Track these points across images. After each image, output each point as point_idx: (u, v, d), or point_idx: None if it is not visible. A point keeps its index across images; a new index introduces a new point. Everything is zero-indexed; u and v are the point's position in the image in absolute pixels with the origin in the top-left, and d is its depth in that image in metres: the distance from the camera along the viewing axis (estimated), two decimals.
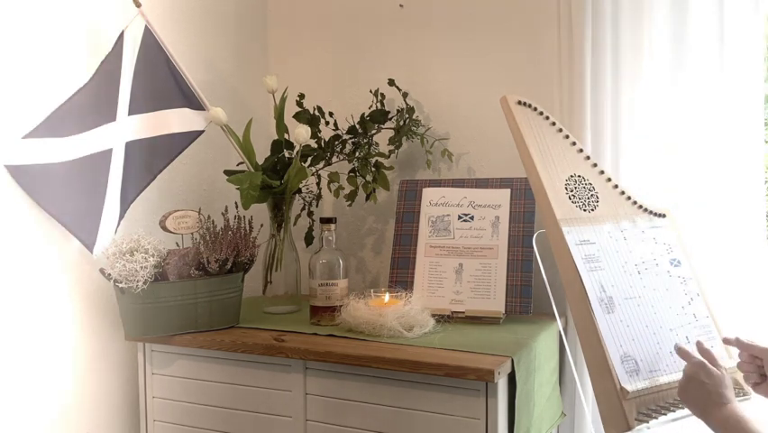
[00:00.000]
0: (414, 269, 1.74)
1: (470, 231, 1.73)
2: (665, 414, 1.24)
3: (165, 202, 1.81)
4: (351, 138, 1.90)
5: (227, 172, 1.80)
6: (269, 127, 2.07)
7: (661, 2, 1.63)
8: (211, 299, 1.58)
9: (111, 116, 1.60)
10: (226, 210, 1.68)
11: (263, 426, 1.54)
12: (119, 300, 1.56)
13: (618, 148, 1.69)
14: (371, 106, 1.93)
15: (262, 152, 1.85)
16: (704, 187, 1.61)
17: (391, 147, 1.91)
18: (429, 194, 1.80)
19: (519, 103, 1.50)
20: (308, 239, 1.95)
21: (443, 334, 1.52)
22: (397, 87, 1.92)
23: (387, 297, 1.60)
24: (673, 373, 1.28)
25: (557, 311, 1.50)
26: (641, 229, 1.46)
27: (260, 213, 1.80)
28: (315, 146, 1.90)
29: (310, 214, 1.95)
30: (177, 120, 1.70)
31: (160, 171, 1.68)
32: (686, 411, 1.21)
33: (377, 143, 1.91)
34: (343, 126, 1.91)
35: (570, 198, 1.43)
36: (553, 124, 1.51)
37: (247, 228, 1.64)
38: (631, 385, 1.23)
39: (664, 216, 1.51)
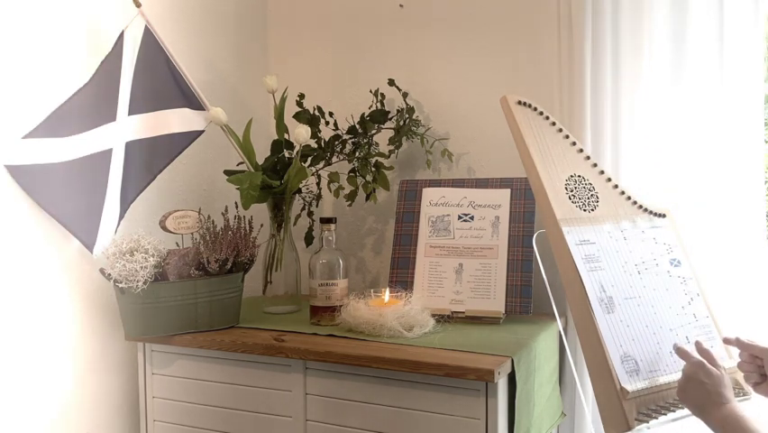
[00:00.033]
0: (414, 269, 1.74)
1: (470, 231, 1.73)
2: (665, 414, 1.24)
3: (165, 202, 1.81)
4: (351, 138, 1.90)
5: (227, 172, 1.80)
6: (269, 127, 2.07)
7: (661, 1, 1.63)
8: (211, 299, 1.58)
9: (111, 116, 1.60)
10: (226, 210, 1.68)
11: (263, 426, 1.54)
12: (119, 300, 1.56)
13: (618, 148, 1.69)
14: (371, 106, 1.93)
15: (262, 152, 1.85)
16: (704, 187, 1.61)
17: (391, 147, 1.91)
18: (429, 194, 1.80)
19: (519, 103, 1.50)
20: (308, 239, 1.95)
21: (443, 334, 1.52)
22: (397, 87, 1.92)
23: (387, 297, 1.60)
24: (673, 373, 1.28)
25: (557, 311, 1.50)
26: (641, 229, 1.46)
27: (260, 213, 1.80)
28: (315, 146, 1.90)
29: (310, 214, 1.95)
30: (177, 120, 1.70)
31: (160, 171, 1.68)
32: (686, 411, 1.21)
33: (377, 143, 1.91)
34: (343, 126, 1.91)
35: (570, 198, 1.43)
36: (553, 124, 1.51)
37: (247, 228, 1.64)
38: (631, 385, 1.23)
39: (664, 216, 1.51)
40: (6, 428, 1.46)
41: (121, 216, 1.62)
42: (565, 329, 1.68)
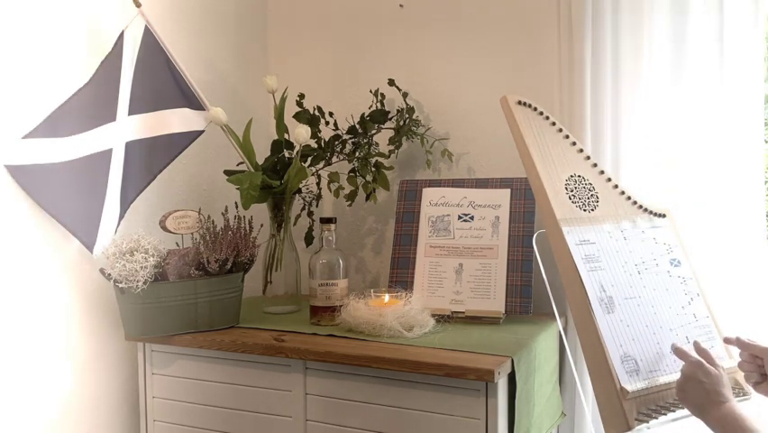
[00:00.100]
0: (414, 269, 1.74)
1: (470, 231, 1.73)
2: (665, 414, 1.24)
3: (165, 202, 1.81)
4: (351, 138, 1.90)
5: (227, 172, 1.80)
6: (269, 127, 2.07)
7: (661, 1, 1.63)
8: (211, 299, 1.58)
9: (111, 116, 1.60)
10: (226, 210, 1.68)
11: (263, 426, 1.54)
12: (119, 300, 1.56)
13: (618, 148, 1.69)
14: (371, 106, 1.93)
15: (262, 152, 1.85)
16: (704, 187, 1.61)
17: (391, 147, 1.91)
18: (429, 194, 1.80)
19: (519, 103, 1.50)
20: (308, 239, 1.95)
21: (443, 334, 1.52)
22: (397, 87, 1.92)
23: (387, 297, 1.60)
24: (673, 373, 1.28)
25: (557, 311, 1.50)
26: (641, 229, 1.46)
27: (260, 213, 1.80)
28: (315, 146, 1.90)
29: (310, 214, 1.95)
30: (177, 120, 1.70)
31: (160, 171, 1.68)
32: (686, 411, 1.21)
33: (377, 143, 1.91)
34: (343, 126, 1.91)
35: (570, 198, 1.43)
36: (553, 124, 1.51)
37: (247, 228, 1.64)
38: (631, 385, 1.23)
39: (664, 216, 1.51)
40: (6, 428, 1.46)
41: (121, 216, 1.62)
42: (565, 329, 1.68)
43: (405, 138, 1.92)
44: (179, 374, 1.63)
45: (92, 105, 1.57)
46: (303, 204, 1.96)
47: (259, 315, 1.76)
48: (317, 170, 1.92)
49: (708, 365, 1.18)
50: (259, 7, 2.21)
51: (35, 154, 1.48)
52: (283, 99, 1.84)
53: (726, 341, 1.32)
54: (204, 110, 1.73)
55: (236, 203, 1.73)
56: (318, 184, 1.95)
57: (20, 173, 1.46)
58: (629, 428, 1.21)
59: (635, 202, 1.49)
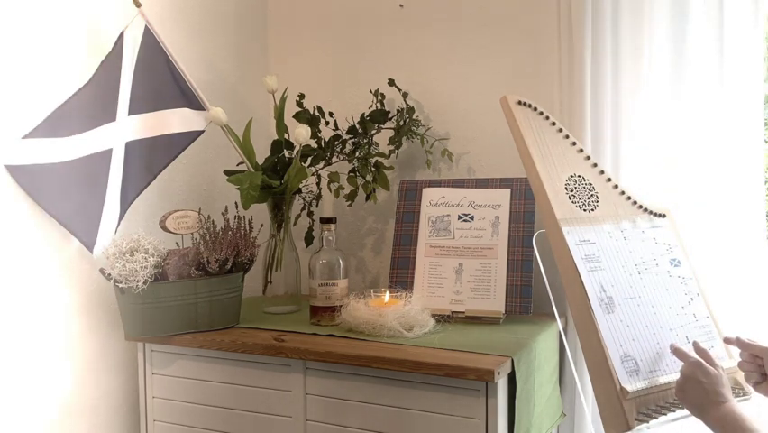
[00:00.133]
0: (414, 269, 1.74)
1: (470, 231, 1.73)
2: (665, 414, 1.24)
3: (165, 202, 1.81)
4: (351, 138, 1.90)
5: (227, 172, 1.80)
6: (269, 127, 2.07)
7: (661, 1, 1.63)
8: (211, 299, 1.58)
9: (111, 116, 1.60)
10: (226, 210, 1.68)
11: (263, 426, 1.54)
12: (119, 300, 1.56)
13: (618, 148, 1.69)
14: (371, 106, 1.93)
15: (262, 152, 1.85)
16: (704, 187, 1.61)
17: (391, 147, 1.91)
18: (429, 194, 1.80)
19: (519, 103, 1.50)
20: (308, 239, 1.95)
21: (443, 334, 1.52)
22: (397, 87, 1.92)
23: (387, 297, 1.60)
24: (673, 373, 1.27)
25: (557, 311, 1.50)
26: (641, 229, 1.46)
27: (260, 213, 1.80)
28: (315, 146, 1.90)
29: (310, 214, 1.95)
30: (177, 120, 1.70)
31: (160, 171, 1.68)
32: (686, 411, 1.21)
33: (377, 143, 1.92)
34: (343, 126, 1.91)
35: (570, 198, 1.43)
36: (553, 124, 1.51)
37: (247, 228, 1.64)
38: (631, 385, 1.23)
39: (664, 216, 1.51)
40: (6, 428, 1.46)
41: (121, 216, 1.62)
42: (565, 329, 1.68)
43: (405, 138, 1.92)
44: (179, 374, 1.63)
45: (92, 105, 1.57)
46: (303, 204, 1.96)
47: (259, 315, 1.76)
48: (317, 170, 1.92)
49: (707, 365, 1.18)
50: (259, 7, 2.21)
51: (35, 154, 1.48)
52: (283, 99, 1.84)
53: (726, 341, 1.32)
54: (204, 110, 1.74)
55: (236, 203, 1.73)
56: (318, 184, 1.95)
57: (20, 173, 1.46)
58: (629, 428, 1.21)
59: (635, 202, 1.49)
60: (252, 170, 1.77)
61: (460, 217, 1.75)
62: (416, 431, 1.38)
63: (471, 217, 1.74)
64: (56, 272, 1.56)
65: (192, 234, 1.63)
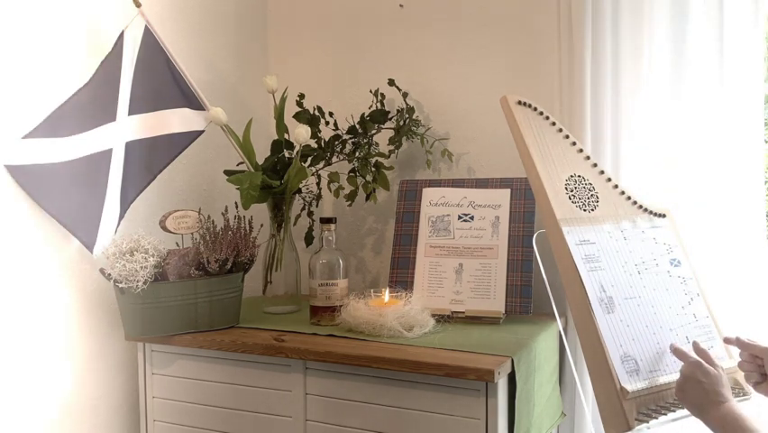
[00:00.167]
0: (414, 269, 1.74)
1: (470, 231, 1.73)
2: (665, 414, 1.24)
3: (165, 202, 1.81)
4: (351, 138, 1.90)
5: (227, 172, 1.80)
6: (269, 127, 2.07)
7: (661, 1, 1.63)
8: (211, 299, 1.58)
9: (111, 116, 1.60)
10: (226, 210, 1.69)
11: (263, 426, 1.54)
12: (119, 300, 1.56)
13: (618, 148, 1.69)
14: (371, 106, 1.93)
15: (262, 152, 1.85)
16: (704, 187, 1.61)
17: (391, 147, 1.91)
18: (429, 194, 1.80)
19: (519, 103, 1.50)
20: (308, 239, 1.95)
21: (443, 334, 1.52)
22: (397, 87, 1.92)
23: (387, 297, 1.60)
24: (673, 373, 1.28)
25: (557, 311, 1.50)
26: (641, 229, 1.46)
27: (260, 213, 1.80)
28: (315, 146, 1.90)
29: (310, 214, 1.95)
30: (177, 120, 1.70)
31: (160, 171, 1.68)
32: (686, 411, 1.21)
33: (377, 143, 1.92)
34: (343, 126, 1.91)
35: (570, 198, 1.43)
36: (553, 124, 1.51)
37: (247, 228, 1.64)
38: (631, 385, 1.23)
39: (664, 216, 1.51)
40: (6, 428, 1.46)
41: (121, 216, 1.62)
42: (565, 329, 1.68)
43: (405, 138, 1.92)
44: (179, 374, 1.63)
45: (92, 105, 1.57)
46: (303, 204, 1.96)
47: (259, 315, 1.76)
48: (317, 170, 1.92)
49: (706, 365, 1.18)
50: (259, 7, 2.21)
51: (35, 154, 1.48)
52: (283, 99, 1.84)
53: (726, 341, 1.32)
54: (204, 110, 1.74)
55: (236, 203, 1.73)
56: (318, 184, 1.95)
57: (20, 173, 1.46)
58: (629, 428, 1.21)
59: (635, 202, 1.49)
60: (252, 170, 1.77)
61: (460, 217, 1.75)
62: (416, 431, 1.38)
63: (471, 217, 1.74)
64: (56, 272, 1.56)
65: (192, 234, 1.63)
